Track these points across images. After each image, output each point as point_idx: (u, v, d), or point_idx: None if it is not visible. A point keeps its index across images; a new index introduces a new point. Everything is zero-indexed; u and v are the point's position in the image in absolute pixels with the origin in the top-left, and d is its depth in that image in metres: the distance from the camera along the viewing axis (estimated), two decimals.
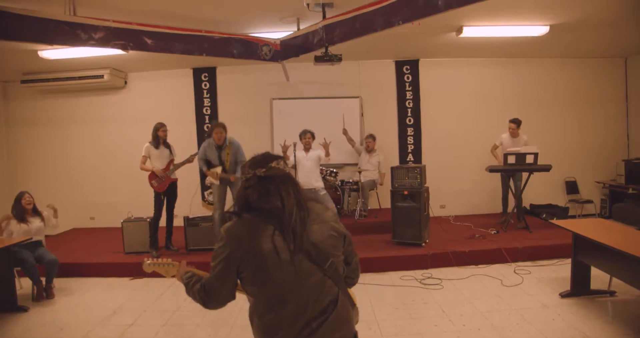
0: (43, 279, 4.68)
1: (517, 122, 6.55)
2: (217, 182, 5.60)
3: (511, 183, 6.57)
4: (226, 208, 5.62)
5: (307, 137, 6.08)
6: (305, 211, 1.55)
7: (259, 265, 1.48)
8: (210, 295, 1.60)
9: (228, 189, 5.74)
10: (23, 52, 5.98)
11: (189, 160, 5.81)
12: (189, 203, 6.56)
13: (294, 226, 1.49)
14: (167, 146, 5.85)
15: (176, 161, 5.87)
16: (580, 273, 4.14)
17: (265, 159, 1.61)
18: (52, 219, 5.10)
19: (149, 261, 2.00)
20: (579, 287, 4.15)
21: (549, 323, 3.60)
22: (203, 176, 7.50)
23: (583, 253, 4.03)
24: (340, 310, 1.55)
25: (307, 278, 1.50)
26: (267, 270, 1.47)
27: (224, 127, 5.58)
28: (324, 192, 5.96)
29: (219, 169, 5.58)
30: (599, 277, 4.17)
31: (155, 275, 5.25)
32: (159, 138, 5.74)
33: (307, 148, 6.10)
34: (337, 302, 1.55)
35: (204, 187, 7.62)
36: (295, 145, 5.92)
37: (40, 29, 4.35)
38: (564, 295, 4.15)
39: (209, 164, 5.66)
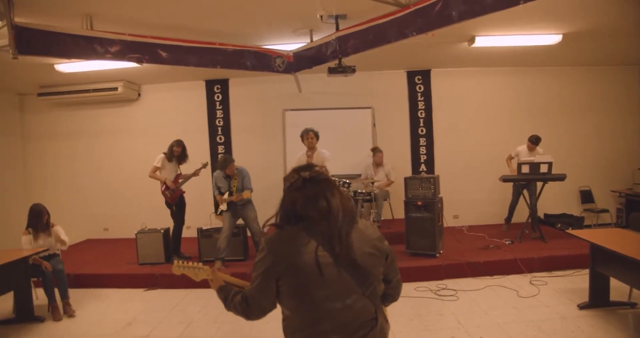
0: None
1: (535, 142, 6.45)
2: (224, 208, 5.69)
3: (525, 193, 6.45)
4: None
5: (309, 136, 5.96)
6: (349, 217, 1.54)
7: (300, 280, 1.47)
8: (252, 306, 1.59)
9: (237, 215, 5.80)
10: (40, 66, 6.10)
11: (196, 174, 5.98)
12: (208, 216, 6.59)
13: (340, 230, 1.47)
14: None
15: (183, 174, 6.04)
16: (598, 284, 4.07)
17: (309, 165, 1.62)
18: (59, 242, 4.82)
19: (178, 263, 1.99)
20: (598, 298, 4.08)
21: (568, 336, 3.55)
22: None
23: (601, 264, 3.97)
24: (378, 331, 1.53)
25: (346, 297, 1.48)
26: (308, 286, 1.46)
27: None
28: None
29: (226, 196, 5.67)
30: (618, 288, 4.09)
31: (169, 286, 5.22)
32: (173, 153, 5.92)
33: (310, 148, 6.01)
34: (375, 321, 1.52)
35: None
36: None
37: (59, 44, 4.45)
38: (582, 307, 4.08)
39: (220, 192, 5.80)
